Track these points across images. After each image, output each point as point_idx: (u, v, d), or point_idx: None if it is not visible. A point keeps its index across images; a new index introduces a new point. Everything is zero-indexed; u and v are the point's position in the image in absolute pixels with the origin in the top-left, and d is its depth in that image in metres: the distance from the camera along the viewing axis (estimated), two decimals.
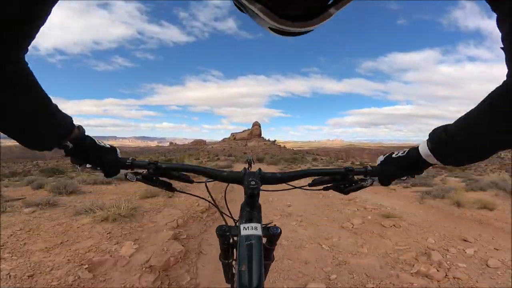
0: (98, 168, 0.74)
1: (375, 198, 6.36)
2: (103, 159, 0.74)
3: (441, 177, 14.13)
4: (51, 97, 0.59)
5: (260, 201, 0.71)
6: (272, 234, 0.76)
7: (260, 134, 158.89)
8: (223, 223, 0.82)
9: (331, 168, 0.81)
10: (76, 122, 0.66)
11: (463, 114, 0.60)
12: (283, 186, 0.84)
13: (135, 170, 0.76)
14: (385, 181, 0.77)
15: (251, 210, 0.70)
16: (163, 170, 0.76)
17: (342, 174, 0.78)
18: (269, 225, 0.77)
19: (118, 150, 0.79)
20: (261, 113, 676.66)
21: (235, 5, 0.33)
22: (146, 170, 0.75)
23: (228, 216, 0.88)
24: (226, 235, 0.76)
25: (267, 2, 0.28)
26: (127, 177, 0.74)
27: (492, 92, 0.55)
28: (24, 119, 0.55)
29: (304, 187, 0.84)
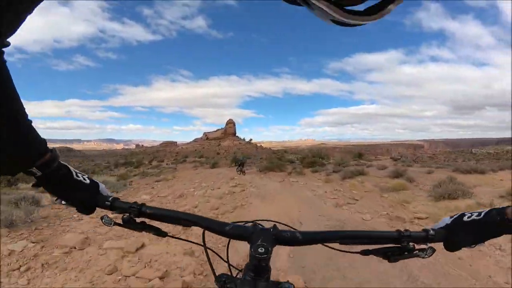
0: (69, 203, 0.63)
1: None
2: (77, 196, 0.63)
3: None
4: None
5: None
6: None
7: (235, 132, 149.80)
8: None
9: (379, 232, 0.63)
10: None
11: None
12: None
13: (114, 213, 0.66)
14: (452, 249, 0.62)
15: (255, 278, 0.56)
16: (146, 215, 0.65)
17: (395, 239, 0.60)
18: (280, 284, 0.59)
19: (101, 186, 0.68)
20: (234, 114, 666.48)
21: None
22: (128, 213, 0.64)
23: (233, 267, 0.74)
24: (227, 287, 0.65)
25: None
26: (103, 220, 0.64)
27: None
28: None
29: (347, 251, 0.67)
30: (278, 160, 19.02)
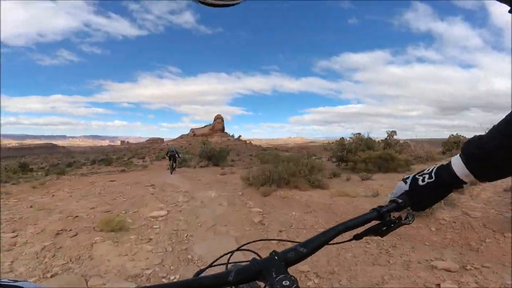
0: None
1: None
2: None
3: None
4: None
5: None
6: None
7: (223, 129, 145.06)
8: None
9: (362, 216, 0.67)
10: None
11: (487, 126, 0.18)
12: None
13: None
14: (419, 210, 0.70)
15: None
16: None
17: (376, 217, 0.67)
18: None
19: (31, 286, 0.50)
20: (223, 111, 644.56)
21: None
22: None
23: None
24: None
25: None
26: None
27: None
28: None
29: (342, 242, 0.72)
30: (287, 163, 7.27)
